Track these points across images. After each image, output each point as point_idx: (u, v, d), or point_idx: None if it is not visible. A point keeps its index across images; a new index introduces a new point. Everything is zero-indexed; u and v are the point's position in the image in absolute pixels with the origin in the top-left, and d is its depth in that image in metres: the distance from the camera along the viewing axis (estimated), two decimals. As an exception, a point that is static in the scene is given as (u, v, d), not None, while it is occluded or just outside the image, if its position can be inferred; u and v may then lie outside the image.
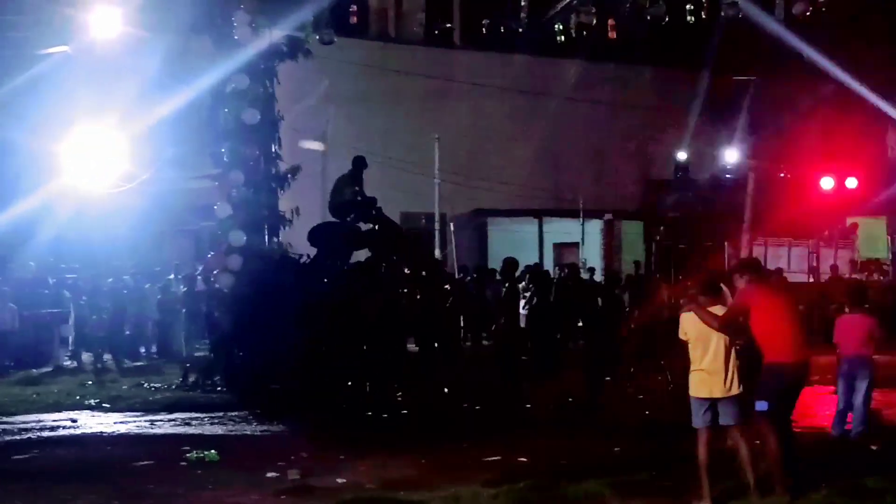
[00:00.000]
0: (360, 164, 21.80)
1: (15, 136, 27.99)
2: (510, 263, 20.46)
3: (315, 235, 21.31)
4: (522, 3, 22.83)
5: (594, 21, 21.96)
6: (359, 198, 21.54)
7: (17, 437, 15.31)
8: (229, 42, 20.03)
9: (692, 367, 10.91)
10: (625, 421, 16.03)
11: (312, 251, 21.13)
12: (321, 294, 19.71)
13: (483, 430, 15.33)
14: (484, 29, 39.12)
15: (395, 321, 19.63)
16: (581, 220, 38.05)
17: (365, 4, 36.56)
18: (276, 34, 20.33)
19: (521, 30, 35.74)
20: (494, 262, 26.97)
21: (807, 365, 10.92)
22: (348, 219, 21.64)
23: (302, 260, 20.57)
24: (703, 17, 21.89)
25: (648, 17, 22.26)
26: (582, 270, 32.02)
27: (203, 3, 21.10)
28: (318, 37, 20.93)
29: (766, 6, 23.43)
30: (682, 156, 40.12)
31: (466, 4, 39.44)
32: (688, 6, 21.49)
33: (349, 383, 19.28)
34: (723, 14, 21.52)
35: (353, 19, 21.68)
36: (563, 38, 25.12)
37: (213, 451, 13.44)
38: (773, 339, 10.74)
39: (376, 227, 21.76)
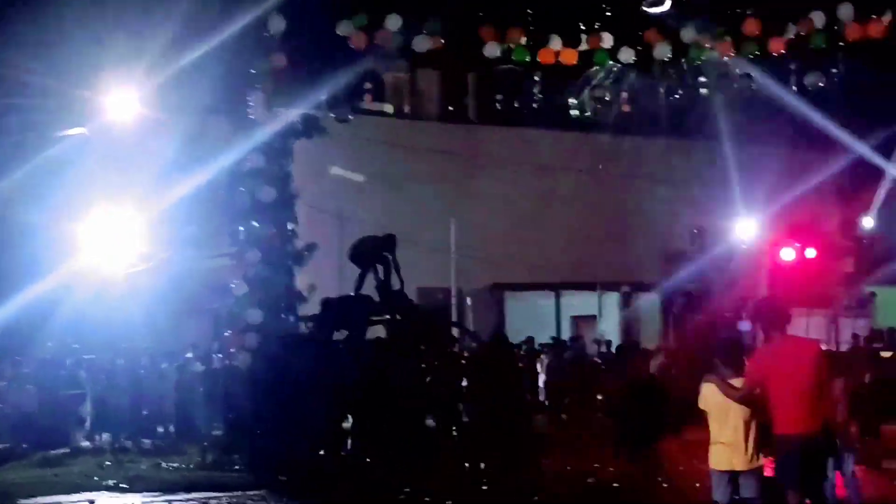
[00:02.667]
0: (390, 242, 21.63)
1: (34, 217, 28.16)
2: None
3: (328, 309, 21.25)
4: (536, 79, 23.00)
5: (607, 95, 22.12)
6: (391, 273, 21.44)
7: (36, 520, 15.26)
8: (245, 122, 20.20)
9: (712, 440, 10.83)
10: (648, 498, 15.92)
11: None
12: (341, 372, 19.68)
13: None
14: (498, 105, 39.50)
15: (416, 398, 19.54)
16: (598, 292, 37.98)
17: (380, 82, 36.84)
18: (291, 113, 20.50)
19: (535, 105, 36.08)
20: (512, 337, 26.86)
21: (815, 434, 10.34)
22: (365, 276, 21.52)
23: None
24: (716, 88, 22.04)
25: (662, 91, 22.41)
26: (600, 343, 31.95)
27: (219, 84, 21.29)
28: (333, 115, 21.12)
29: (780, 78, 23.59)
30: (698, 227, 40.07)
31: (481, 81, 39.71)
32: (700, 78, 21.61)
33: (368, 461, 19.20)
34: (736, 85, 21.66)
35: (369, 97, 21.83)
36: (577, 112, 25.35)
37: (231, 531, 13.38)
38: (778, 408, 10.37)
39: (393, 303, 21.73)
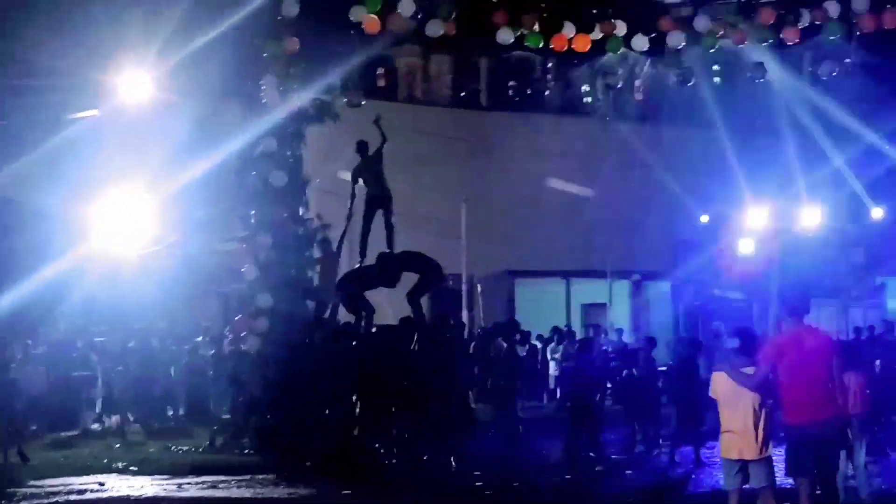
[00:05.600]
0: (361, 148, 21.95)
1: (46, 199, 28.19)
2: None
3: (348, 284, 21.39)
4: (549, 66, 22.92)
5: (620, 83, 22.05)
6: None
7: (45, 501, 15.31)
8: (258, 106, 20.20)
9: (722, 428, 10.83)
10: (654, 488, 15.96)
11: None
12: (351, 356, 19.71)
13: (504, 498, 15.25)
14: (510, 91, 39.47)
15: (425, 384, 19.51)
16: (609, 280, 37.94)
17: (393, 67, 36.79)
18: (304, 97, 20.49)
19: (546, 92, 35.97)
20: (522, 324, 26.86)
21: (827, 423, 10.36)
22: None
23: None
24: (729, 78, 21.97)
25: (675, 79, 22.33)
26: (610, 331, 31.92)
27: (232, 68, 21.27)
28: (346, 100, 21.12)
29: (793, 67, 23.52)
30: (707, 216, 39.99)
31: (493, 67, 39.65)
32: (714, 66, 21.54)
33: (377, 446, 19.21)
34: (749, 75, 21.57)
35: (382, 82, 21.80)
36: (589, 99, 25.28)
37: (240, 514, 13.41)
38: (789, 396, 10.38)
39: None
